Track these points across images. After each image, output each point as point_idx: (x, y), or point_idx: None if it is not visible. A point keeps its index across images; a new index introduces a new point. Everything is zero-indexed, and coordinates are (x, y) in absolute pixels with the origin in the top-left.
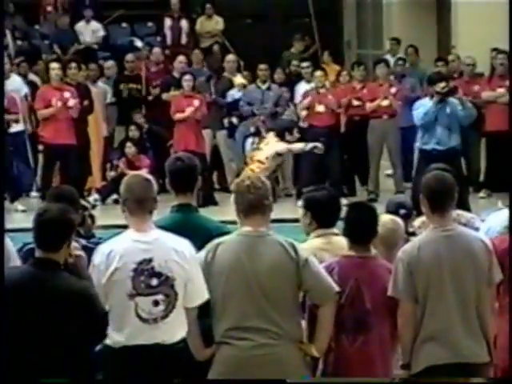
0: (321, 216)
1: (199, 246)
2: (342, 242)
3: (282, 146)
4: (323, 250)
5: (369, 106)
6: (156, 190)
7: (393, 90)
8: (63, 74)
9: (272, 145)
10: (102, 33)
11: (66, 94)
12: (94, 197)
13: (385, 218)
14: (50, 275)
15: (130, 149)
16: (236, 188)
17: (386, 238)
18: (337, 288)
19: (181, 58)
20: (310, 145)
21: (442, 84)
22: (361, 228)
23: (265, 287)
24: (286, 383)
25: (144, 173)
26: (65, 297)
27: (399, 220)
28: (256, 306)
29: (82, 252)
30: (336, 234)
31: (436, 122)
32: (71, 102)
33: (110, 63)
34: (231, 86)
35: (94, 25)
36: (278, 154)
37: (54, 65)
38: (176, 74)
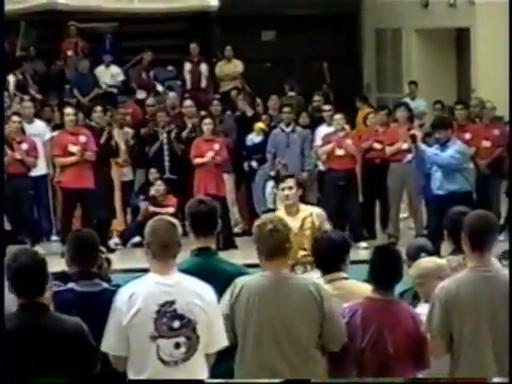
0: (322, 261)
1: (219, 290)
2: (352, 286)
3: None
4: (334, 296)
5: (388, 149)
6: (180, 234)
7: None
8: (87, 117)
9: None
10: (121, 77)
11: (82, 138)
12: (114, 240)
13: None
14: (40, 318)
15: (159, 187)
16: (258, 231)
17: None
18: (346, 339)
19: (188, 102)
20: None
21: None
22: (385, 271)
23: (289, 330)
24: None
25: (169, 217)
26: (60, 337)
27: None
28: (279, 349)
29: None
30: (346, 278)
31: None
32: (76, 148)
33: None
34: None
35: (114, 69)
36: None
37: (69, 110)
38: (187, 119)
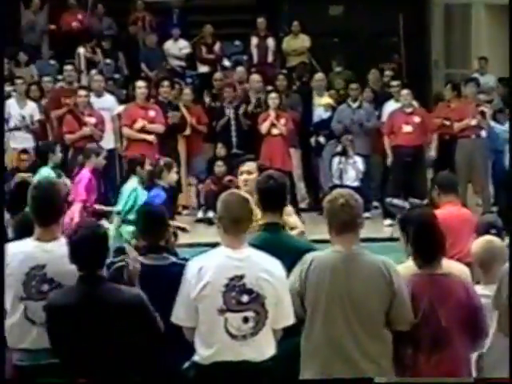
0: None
1: (288, 266)
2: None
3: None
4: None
5: (457, 125)
6: (252, 209)
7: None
8: (156, 92)
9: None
10: (188, 50)
11: (151, 113)
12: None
13: (480, 239)
14: (99, 290)
15: (220, 168)
16: (329, 206)
17: (482, 259)
18: (413, 319)
19: (255, 76)
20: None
21: None
22: (428, 246)
23: (359, 306)
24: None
25: (242, 192)
26: (119, 308)
27: (496, 240)
28: (348, 326)
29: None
30: None
31: None
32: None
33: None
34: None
35: (182, 43)
36: None
37: (141, 83)
38: (252, 94)
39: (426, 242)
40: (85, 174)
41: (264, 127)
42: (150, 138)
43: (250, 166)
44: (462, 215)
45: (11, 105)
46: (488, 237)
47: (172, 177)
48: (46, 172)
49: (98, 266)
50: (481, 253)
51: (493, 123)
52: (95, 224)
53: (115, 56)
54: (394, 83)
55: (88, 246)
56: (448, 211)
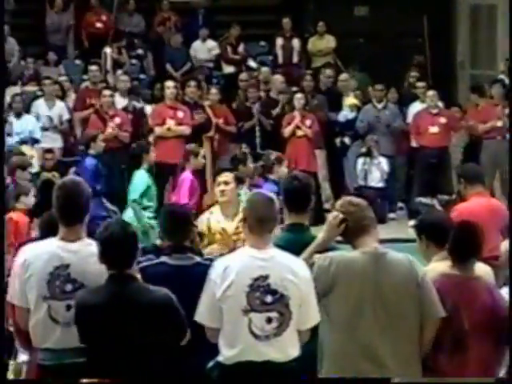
0: (436, 237)
1: None
2: None
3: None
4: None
5: (481, 127)
6: (278, 209)
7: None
8: (182, 92)
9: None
10: (217, 50)
11: (180, 114)
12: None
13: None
14: (128, 289)
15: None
16: (344, 210)
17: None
18: (443, 313)
19: (278, 77)
20: None
21: None
22: (465, 247)
23: (388, 305)
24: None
25: (267, 192)
26: (148, 308)
27: None
28: (377, 324)
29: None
30: None
31: None
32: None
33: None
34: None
35: (210, 43)
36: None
37: (170, 83)
38: (274, 95)
39: (462, 242)
40: (186, 177)
41: (287, 131)
42: (186, 131)
43: (226, 176)
44: (490, 206)
45: (39, 105)
46: None
47: (283, 170)
48: (141, 175)
49: (127, 264)
50: None
51: None
52: (124, 222)
53: (143, 55)
54: (420, 84)
55: (118, 245)
56: (475, 202)
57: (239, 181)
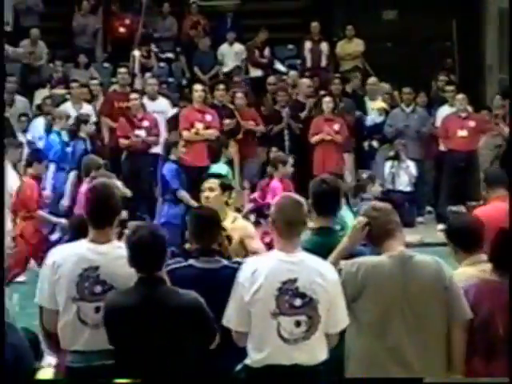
0: (462, 243)
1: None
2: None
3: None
4: (479, 278)
5: (506, 131)
6: (306, 212)
7: None
8: (211, 95)
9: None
10: (244, 54)
11: (208, 117)
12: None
13: None
14: (157, 292)
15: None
16: (369, 215)
17: None
18: (471, 315)
19: (305, 81)
20: None
21: None
22: (506, 253)
23: (418, 312)
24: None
25: (295, 195)
26: (177, 311)
27: None
28: (405, 327)
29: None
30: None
31: None
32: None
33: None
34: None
35: (237, 47)
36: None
37: (198, 86)
38: (301, 99)
39: (503, 250)
40: (276, 186)
41: (314, 140)
42: (214, 135)
43: (212, 183)
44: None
45: (67, 108)
46: None
47: (376, 189)
48: (219, 167)
49: (156, 268)
50: None
51: None
52: (154, 225)
53: (173, 59)
54: (449, 88)
55: (146, 249)
56: (493, 206)
57: (225, 188)
